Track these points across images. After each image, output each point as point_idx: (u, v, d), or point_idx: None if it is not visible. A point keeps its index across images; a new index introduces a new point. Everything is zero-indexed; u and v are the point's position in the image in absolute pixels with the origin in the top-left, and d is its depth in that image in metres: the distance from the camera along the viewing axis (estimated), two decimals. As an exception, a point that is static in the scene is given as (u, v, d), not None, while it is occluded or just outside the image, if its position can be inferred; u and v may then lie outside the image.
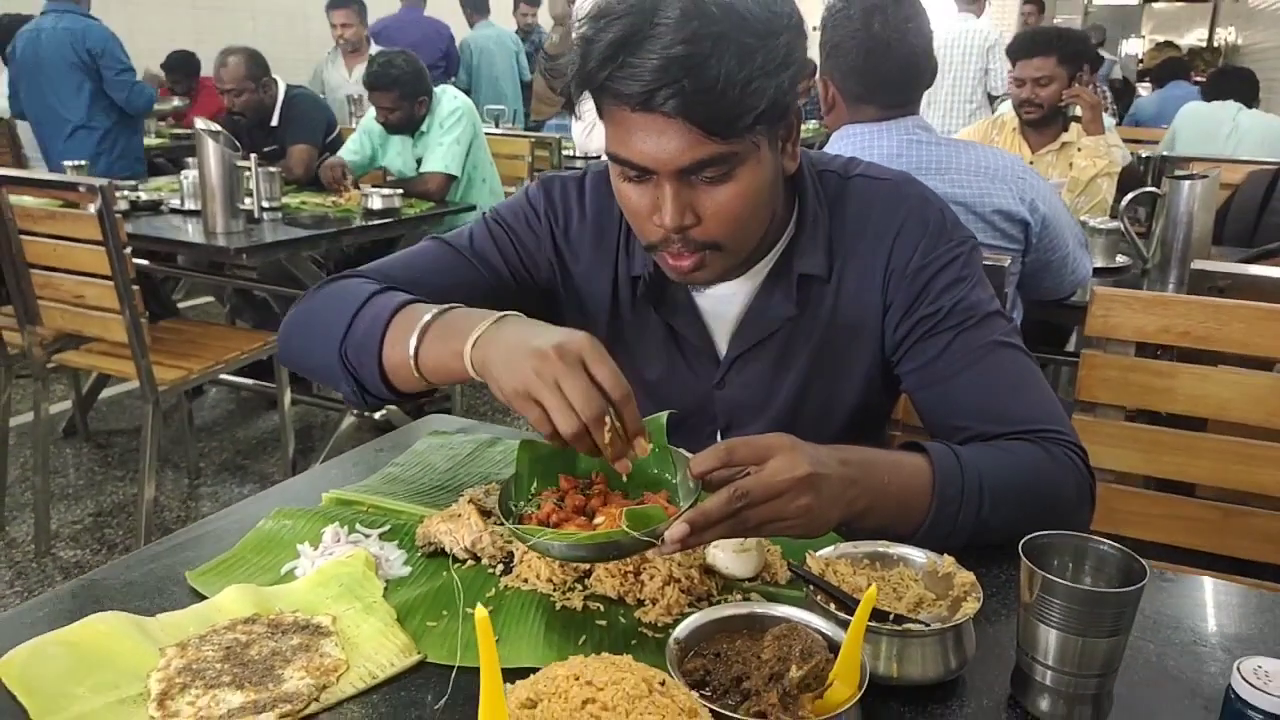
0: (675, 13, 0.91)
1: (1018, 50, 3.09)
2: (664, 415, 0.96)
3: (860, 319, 1.14)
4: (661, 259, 1.06)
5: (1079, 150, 3.07)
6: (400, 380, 1.04)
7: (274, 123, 3.98)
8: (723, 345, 1.18)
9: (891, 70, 1.78)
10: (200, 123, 2.90)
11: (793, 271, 1.13)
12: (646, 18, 0.92)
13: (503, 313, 0.96)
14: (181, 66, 6.21)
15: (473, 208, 3.78)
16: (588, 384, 0.85)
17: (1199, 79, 6.98)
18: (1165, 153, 4.05)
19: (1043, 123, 3.09)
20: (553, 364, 0.85)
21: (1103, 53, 11.73)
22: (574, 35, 0.98)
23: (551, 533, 0.87)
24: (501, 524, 1.00)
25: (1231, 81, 4.43)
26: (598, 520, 0.90)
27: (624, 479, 0.92)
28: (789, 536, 0.89)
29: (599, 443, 0.85)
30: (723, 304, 1.16)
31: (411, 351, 0.98)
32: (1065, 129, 3.12)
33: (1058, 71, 2.99)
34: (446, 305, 1.01)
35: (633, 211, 1.04)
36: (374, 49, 4.93)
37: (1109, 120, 4.12)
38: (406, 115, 3.66)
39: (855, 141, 1.83)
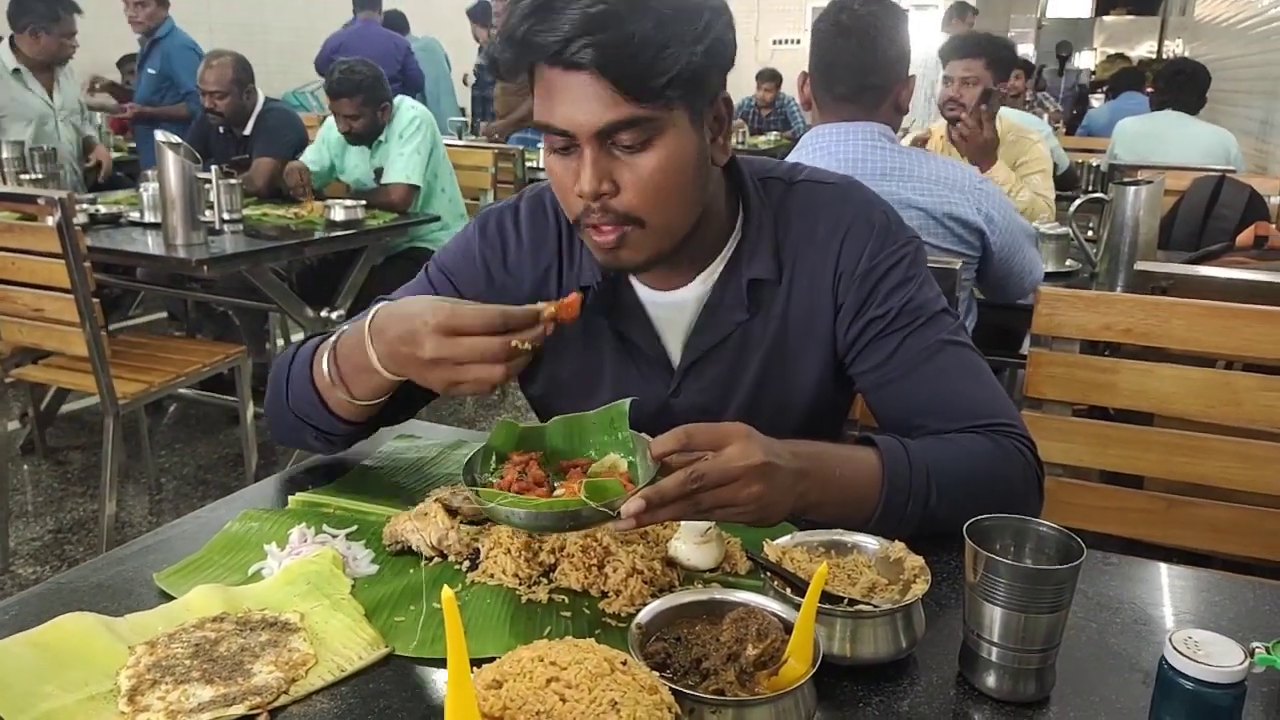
0: None
1: (949, 51, 3.16)
2: (626, 401, 1.00)
3: (811, 321, 1.17)
4: (588, 236, 1.08)
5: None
6: (346, 411, 1.12)
7: (247, 131, 3.97)
8: (676, 353, 1.19)
9: (846, 57, 1.87)
10: (160, 134, 2.89)
11: (741, 276, 1.15)
12: None
13: (369, 313, 1.06)
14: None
15: (436, 218, 3.79)
16: (470, 345, 0.97)
17: (1151, 90, 7.13)
18: (1113, 161, 4.15)
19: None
20: (438, 364, 0.98)
21: (1069, 67, 12.00)
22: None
23: (513, 498, 0.90)
24: (468, 520, 1.03)
25: (1177, 88, 4.45)
26: (558, 492, 0.93)
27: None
28: (741, 523, 0.93)
29: (520, 348, 0.97)
30: (673, 311, 1.18)
31: (336, 385, 1.09)
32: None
33: (983, 74, 3.06)
34: (335, 338, 1.11)
35: (559, 185, 1.06)
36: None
37: (1036, 121, 4.20)
38: (370, 123, 3.66)
39: (823, 142, 1.91)
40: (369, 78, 3.59)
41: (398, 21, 7.14)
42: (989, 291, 2.15)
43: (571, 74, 0.97)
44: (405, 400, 1.17)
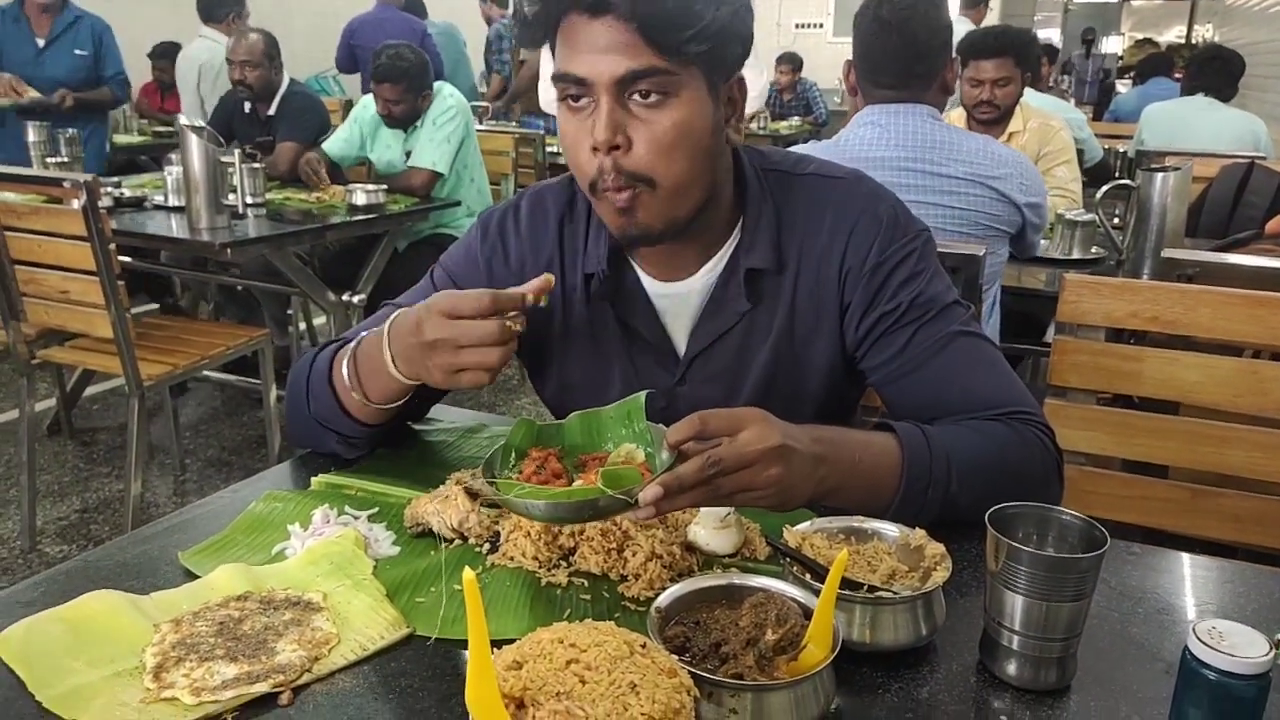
0: None
1: (974, 51, 3.07)
2: (642, 394, 1.00)
3: (818, 315, 1.16)
4: (602, 201, 1.07)
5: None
6: (364, 414, 1.13)
7: (271, 111, 3.98)
8: (681, 343, 1.19)
9: (891, 50, 1.94)
10: (184, 118, 2.90)
11: (741, 267, 1.15)
12: None
13: (388, 321, 1.07)
14: (169, 54, 6.21)
15: (457, 203, 3.80)
16: (468, 328, 0.99)
17: (1180, 75, 7.02)
18: (1140, 147, 4.10)
19: (995, 122, 3.13)
20: (437, 347, 1.00)
21: (1094, 51, 11.91)
22: None
23: (531, 489, 0.90)
24: (488, 503, 1.03)
25: (1211, 73, 4.37)
26: (577, 484, 0.93)
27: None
28: (760, 508, 0.93)
29: (514, 327, 1.00)
30: (678, 302, 1.18)
31: (353, 387, 1.10)
32: (1009, 121, 3.18)
33: (1015, 73, 3.02)
34: (359, 338, 1.11)
35: (571, 144, 1.06)
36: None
37: (1064, 106, 4.15)
38: (410, 108, 3.68)
39: (874, 117, 2.00)
40: (415, 65, 3.59)
41: (415, 6, 7.13)
42: (1016, 250, 2.27)
43: (597, 20, 0.98)
44: (419, 408, 1.21)
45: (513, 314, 1.00)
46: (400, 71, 3.57)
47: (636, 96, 1.01)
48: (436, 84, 3.78)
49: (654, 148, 1.02)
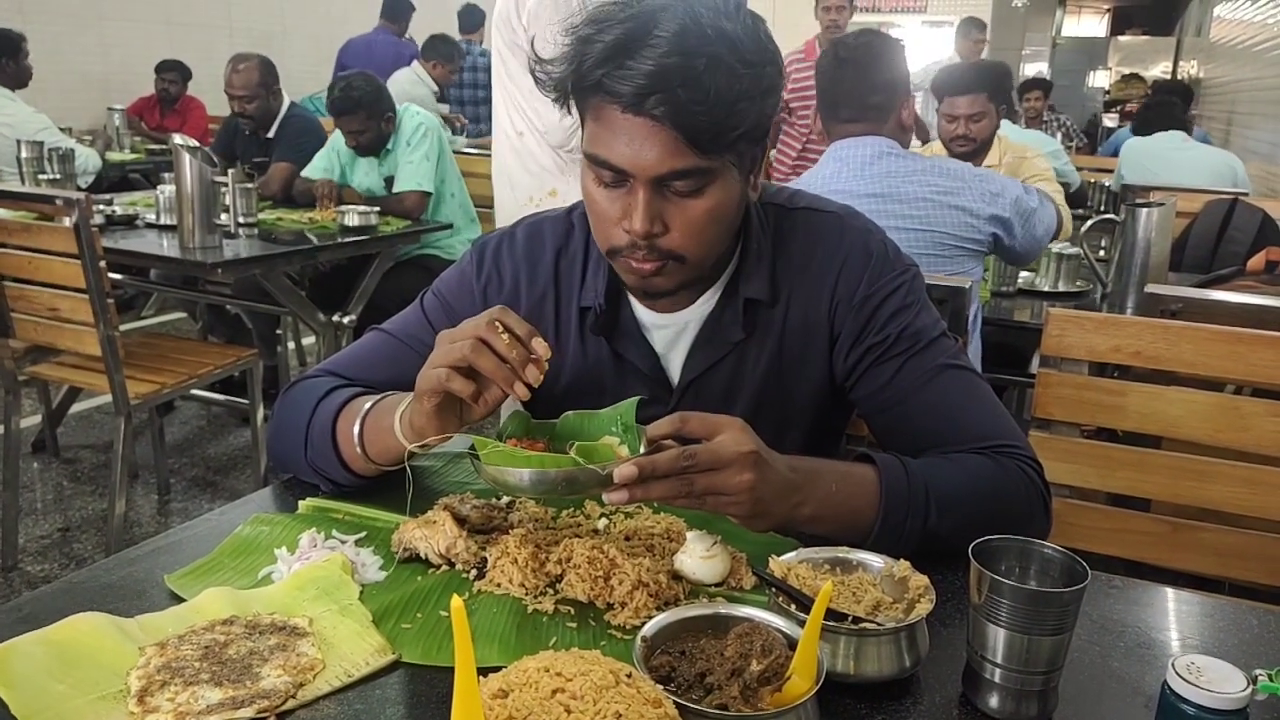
0: (674, 28, 0.96)
1: (948, 87, 3.13)
2: (634, 399, 1.02)
3: (808, 345, 1.18)
4: (623, 263, 1.09)
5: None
6: (363, 469, 1.12)
7: (271, 134, 4.00)
8: (675, 374, 1.21)
9: (847, 83, 2.09)
10: (178, 138, 2.92)
11: (739, 297, 1.16)
12: (646, 28, 0.97)
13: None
14: (177, 68, 6.24)
15: (449, 226, 3.81)
16: (458, 334, 0.96)
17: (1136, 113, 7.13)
18: (1121, 182, 4.16)
19: (972, 155, 3.17)
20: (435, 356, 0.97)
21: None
22: (567, 37, 1.03)
23: (508, 451, 0.92)
24: (475, 529, 1.03)
25: (1163, 114, 4.46)
26: None
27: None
28: (733, 517, 0.94)
29: (501, 351, 0.94)
30: (673, 333, 1.20)
31: (360, 451, 1.09)
32: (986, 154, 3.23)
33: (988, 107, 3.08)
34: (371, 403, 1.10)
35: (600, 215, 1.07)
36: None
37: (1044, 139, 4.23)
38: (375, 135, 3.69)
39: (839, 153, 2.10)
40: (368, 92, 3.60)
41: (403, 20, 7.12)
42: (1020, 262, 2.40)
43: (640, 118, 0.98)
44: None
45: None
46: (354, 102, 3.58)
47: (674, 186, 1.02)
48: (400, 106, 3.79)
49: (689, 231, 1.04)
